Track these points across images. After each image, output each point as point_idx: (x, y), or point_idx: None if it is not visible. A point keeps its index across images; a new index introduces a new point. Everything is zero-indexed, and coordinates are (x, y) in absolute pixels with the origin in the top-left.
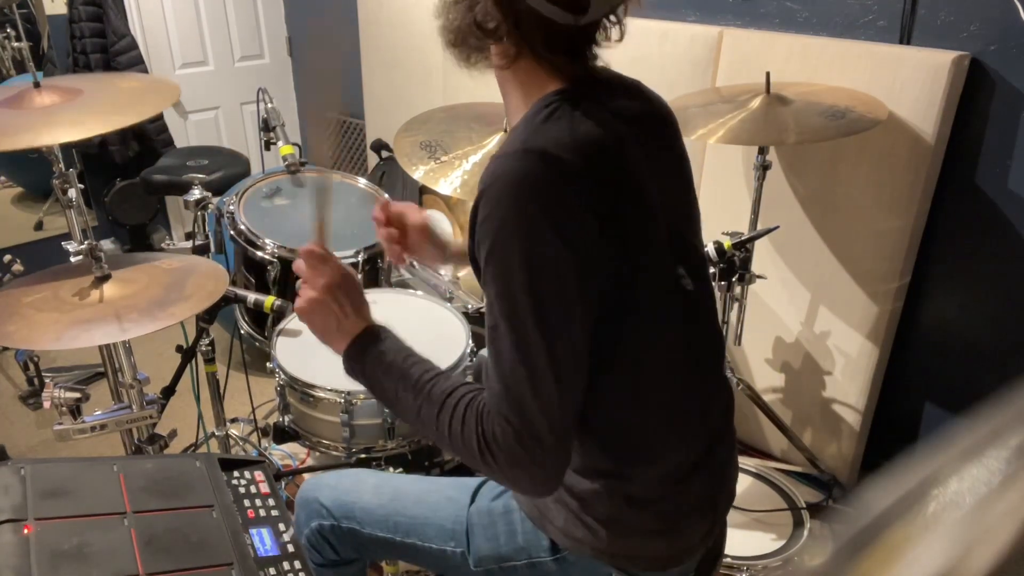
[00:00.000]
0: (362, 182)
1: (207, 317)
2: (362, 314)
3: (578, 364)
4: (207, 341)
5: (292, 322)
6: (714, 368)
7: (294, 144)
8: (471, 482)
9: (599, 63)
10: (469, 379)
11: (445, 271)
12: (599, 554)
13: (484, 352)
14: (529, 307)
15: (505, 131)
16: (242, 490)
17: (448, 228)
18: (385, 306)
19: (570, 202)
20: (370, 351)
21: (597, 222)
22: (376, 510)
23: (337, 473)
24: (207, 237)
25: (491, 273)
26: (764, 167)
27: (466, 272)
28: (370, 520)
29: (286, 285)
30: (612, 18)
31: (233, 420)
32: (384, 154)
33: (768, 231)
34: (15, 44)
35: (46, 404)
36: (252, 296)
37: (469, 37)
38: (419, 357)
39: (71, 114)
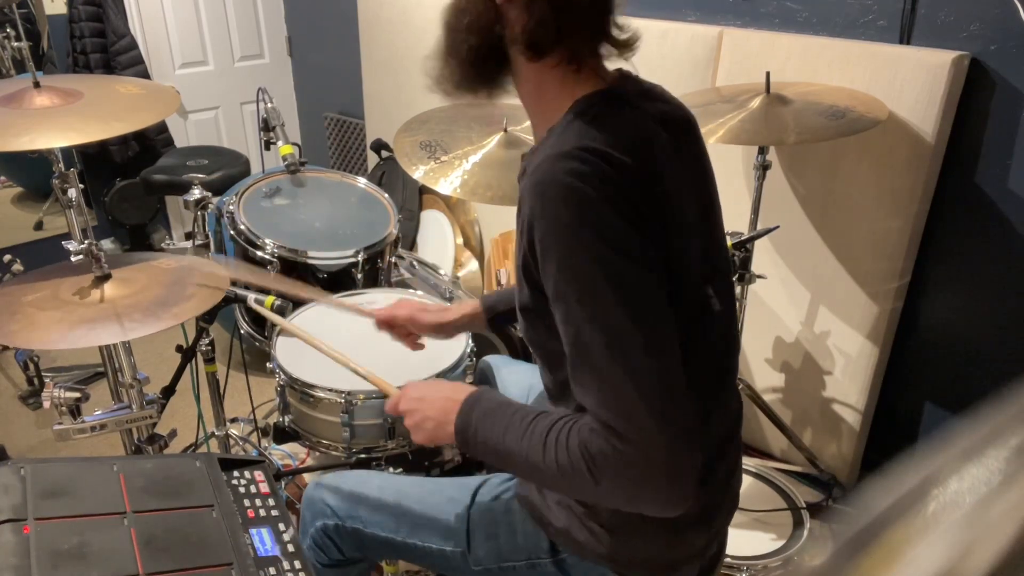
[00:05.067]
0: (362, 182)
1: (207, 317)
2: (453, 398)
3: (675, 348)
4: (207, 341)
5: (292, 322)
6: (728, 381)
7: (294, 144)
8: (472, 482)
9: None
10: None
11: (445, 272)
12: (600, 558)
13: (487, 358)
14: (618, 303)
15: (506, 131)
16: (242, 490)
17: (448, 230)
18: (386, 306)
19: (631, 198)
20: (470, 426)
21: (651, 220)
22: (379, 509)
23: (342, 473)
24: (207, 237)
25: (567, 278)
26: (764, 167)
27: (466, 272)
28: (373, 520)
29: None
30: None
31: (233, 420)
32: (384, 154)
33: (768, 231)
34: (15, 44)
35: (46, 404)
36: (252, 296)
37: (483, 67)
38: (519, 406)
39: (71, 118)
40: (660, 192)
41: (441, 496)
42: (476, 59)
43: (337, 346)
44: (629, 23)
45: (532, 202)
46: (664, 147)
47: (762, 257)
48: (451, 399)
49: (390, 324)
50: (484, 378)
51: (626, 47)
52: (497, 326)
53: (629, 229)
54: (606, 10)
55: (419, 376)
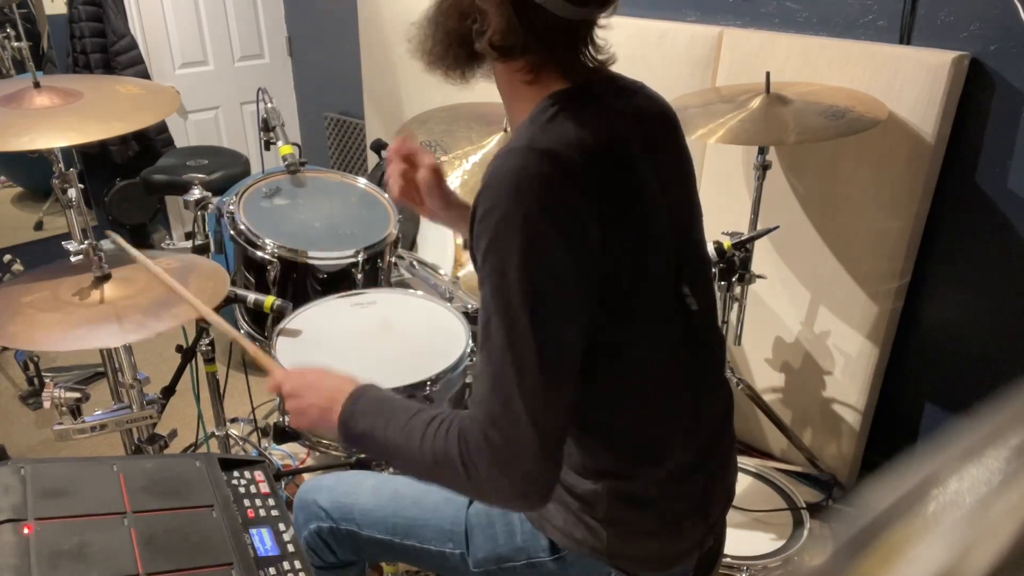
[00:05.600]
0: (362, 182)
1: None
2: (341, 389)
3: (569, 368)
4: (207, 341)
5: (292, 322)
6: (715, 371)
7: (294, 144)
8: None
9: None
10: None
11: (445, 272)
12: (599, 554)
13: None
14: (523, 305)
15: (506, 131)
16: (242, 490)
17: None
18: (385, 306)
19: (573, 202)
20: (353, 416)
21: (600, 224)
22: (374, 511)
23: (335, 475)
24: (207, 237)
25: (488, 268)
26: (764, 167)
27: (466, 272)
28: (368, 522)
29: (286, 285)
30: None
31: (233, 420)
32: (384, 154)
33: (768, 231)
34: (15, 44)
35: (46, 404)
36: (252, 296)
37: (458, 50)
38: (404, 401)
39: (71, 118)
40: (621, 188)
41: (439, 496)
42: (451, 42)
43: (337, 345)
44: (608, 42)
45: (481, 189)
46: (634, 143)
47: (762, 257)
48: (339, 389)
49: (406, 158)
50: None
51: (599, 63)
52: None
53: (555, 237)
54: (578, 26)
55: (419, 376)
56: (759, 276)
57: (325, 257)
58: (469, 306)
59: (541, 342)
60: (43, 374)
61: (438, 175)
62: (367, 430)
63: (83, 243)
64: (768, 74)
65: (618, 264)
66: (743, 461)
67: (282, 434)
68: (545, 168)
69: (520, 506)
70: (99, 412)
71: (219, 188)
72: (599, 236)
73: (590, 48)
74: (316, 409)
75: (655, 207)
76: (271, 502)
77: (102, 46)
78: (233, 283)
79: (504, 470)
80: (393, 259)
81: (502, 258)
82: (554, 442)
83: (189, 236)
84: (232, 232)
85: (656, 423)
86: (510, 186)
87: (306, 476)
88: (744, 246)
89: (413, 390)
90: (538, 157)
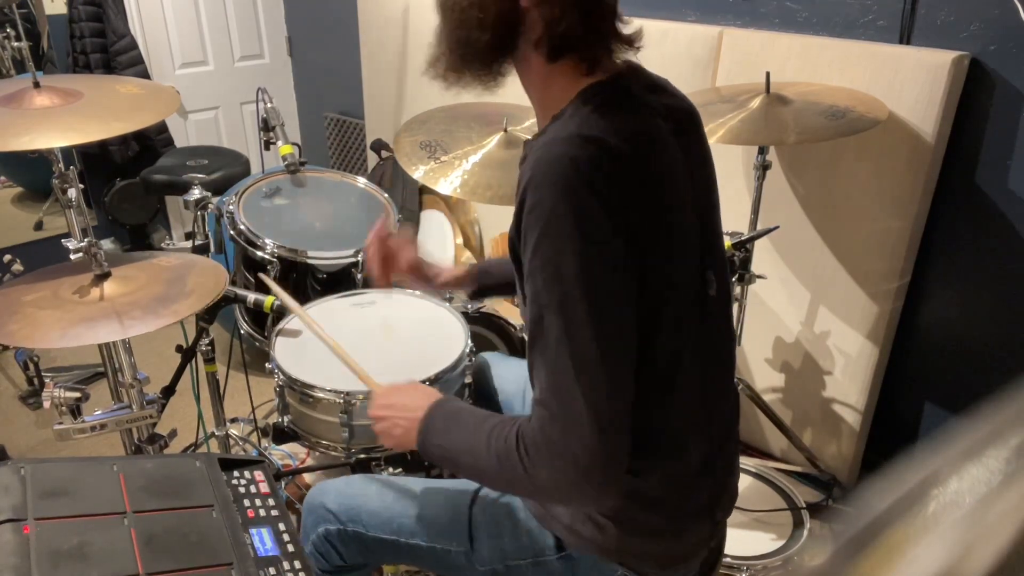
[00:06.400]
0: (362, 182)
1: (207, 317)
2: (421, 406)
3: (628, 353)
4: (207, 341)
5: (291, 322)
6: (727, 370)
7: (294, 144)
8: (475, 483)
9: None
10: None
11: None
12: (605, 552)
13: (484, 355)
14: (582, 294)
15: (506, 131)
16: (242, 490)
17: (447, 230)
18: (385, 306)
19: (623, 189)
20: (428, 437)
21: (641, 208)
22: (380, 512)
23: (344, 479)
24: (207, 237)
25: (540, 260)
26: (764, 167)
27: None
28: (374, 523)
29: (286, 285)
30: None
31: (233, 420)
32: (384, 154)
33: (768, 231)
34: (15, 44)
35: (46, 404)
36: (252, 296)
37: (494, 53)
38: (477, 410)
39: (71, 118)
40: (658, 177)
41: (443, 496)
42: (485, 55)
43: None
44: (631, 21)
45: (527, 181)
46: (665, 137)
47: (762, 257)
48: (418, 407)
49: (382, 243)
50: (480, 374)
51: (631, 43)
52: (481, 294)
53: (608, 224)
54: (615, 13)
55: (418, 376)
56: (759, 276)
57: (325, 257)
58: (469, 306)
59: (601, 330)
60: (43, 374)
61: (417, 270)
62: (442, 444)
63: (83, 243)
64: (768, 74)
65: (656, 246)
66: (743, 461)
67: (282, 434)
68: (594, 154)
69: (583, 501)
70: (99, 412)
71: (219, 188)
72: (639, 219)
73: (615, 41)
74: (400, 429)
75: (685, 195)
76: (271, 502)
77: (102, 46)
78: (233, 283)
79: (562, 465)
80: None
81: (556, 247)
82: (615, 434)
83: (189, 236)
84: (232, 232)
85: (668, 422)
86: (558, 174)
87: (306, 476)
88: (744, 246)
89: None
90: (587, 144)
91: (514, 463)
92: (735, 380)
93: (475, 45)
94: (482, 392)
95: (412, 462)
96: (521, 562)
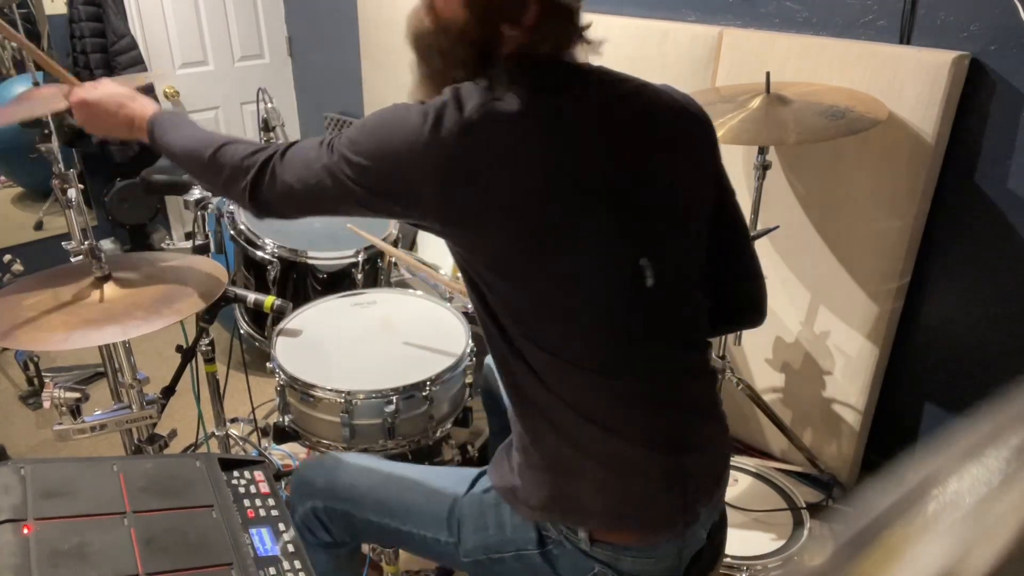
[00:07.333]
0: None
1: (207, 317)
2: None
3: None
4: (207, 341)
5: (292, 322)
6: (693, 349)
7: None
8: (466, 473)
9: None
10: (469, 380)
11: (445, 272)
12: (558, 515)
13: (488, 359)
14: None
15: None
16: (242, 490)
17: None
18: (385, 306)
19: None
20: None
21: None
22: (368, 493)
23: (333, 455)
24: (207, 237)
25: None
26: (764, 167)
27: None
28: (365, 503)
29: (286, 285)
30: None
31: (233, 420)
32: None
33: (768, 231)
34: (15, 44)
35: (46, 404)
36: (252, 296)
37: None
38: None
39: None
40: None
41: (433, 484)
42: (467, 75)
43: (337, 344)
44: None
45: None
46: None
47: (762, 257)
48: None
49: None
50: (488, 379)
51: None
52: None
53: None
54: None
55: (419, 376)
56: None
57: (325, 257)
58: (469, 306)
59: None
60: (43, 374)
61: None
62: (179, 126)
63: (83, 243)
64: (768, 74)
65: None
66: (743, 461)
67: (282, 434)
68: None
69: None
70: (99, 412)
71: None
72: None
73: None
74: (127, 110)
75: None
76: (271, 502)
77: (102, 46)
78: (233, 283)
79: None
80: (393, 259)
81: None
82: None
83: (189, 236)
84: (232, 232)
85: (591, 400)
86: None
87: None
88: None
89: (413, 390)
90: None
91: (231, 175)
92: (728, 377)
93: (446, 77)
94: (489, 397)
95: (412, 462)
96: (503, 555)
